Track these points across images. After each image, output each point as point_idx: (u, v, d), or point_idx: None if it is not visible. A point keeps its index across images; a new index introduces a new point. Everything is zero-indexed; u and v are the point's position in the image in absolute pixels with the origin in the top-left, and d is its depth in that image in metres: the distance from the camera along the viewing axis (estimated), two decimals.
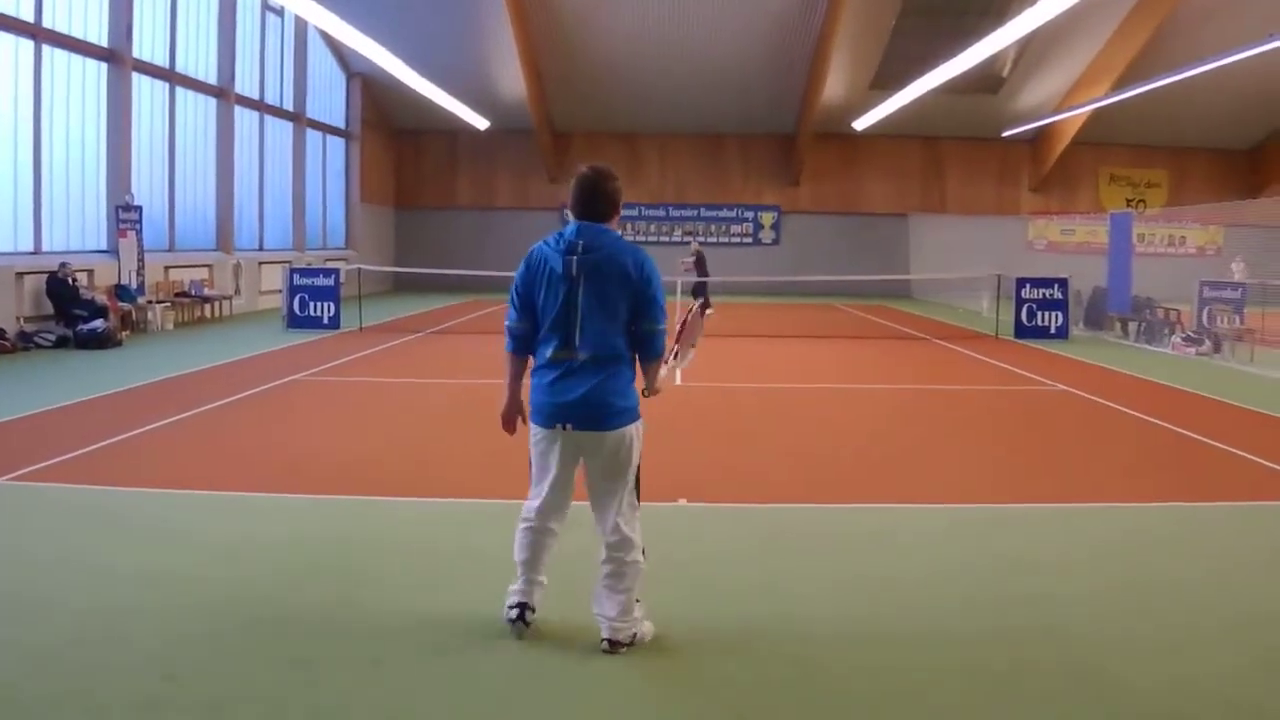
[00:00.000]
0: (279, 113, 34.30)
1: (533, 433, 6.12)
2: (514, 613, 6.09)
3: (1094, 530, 8.57)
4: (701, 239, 37.95)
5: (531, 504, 6.15)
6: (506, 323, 6.37)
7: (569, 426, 5.89)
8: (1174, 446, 12.16)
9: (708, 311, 31.28)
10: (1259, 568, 7.59)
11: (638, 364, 6.17)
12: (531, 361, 6.24)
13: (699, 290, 29.00)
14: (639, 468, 6.08)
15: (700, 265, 30.10)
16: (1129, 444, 12.37)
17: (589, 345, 5.92)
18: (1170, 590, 7.05)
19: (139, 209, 24.13)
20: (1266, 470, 10.71)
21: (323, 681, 5.46)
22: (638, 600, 6.01)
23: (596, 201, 6.26)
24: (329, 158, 39.10)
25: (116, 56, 24.22)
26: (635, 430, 6.01)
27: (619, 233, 6.30)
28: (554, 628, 6.13)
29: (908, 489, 9.84)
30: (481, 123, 40.34)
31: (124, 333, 21.70)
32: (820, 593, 6.91)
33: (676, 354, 6.90)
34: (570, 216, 6.33)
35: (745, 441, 12.20)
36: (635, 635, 5.97)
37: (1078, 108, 37.70)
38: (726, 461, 10.96)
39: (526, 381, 6.21)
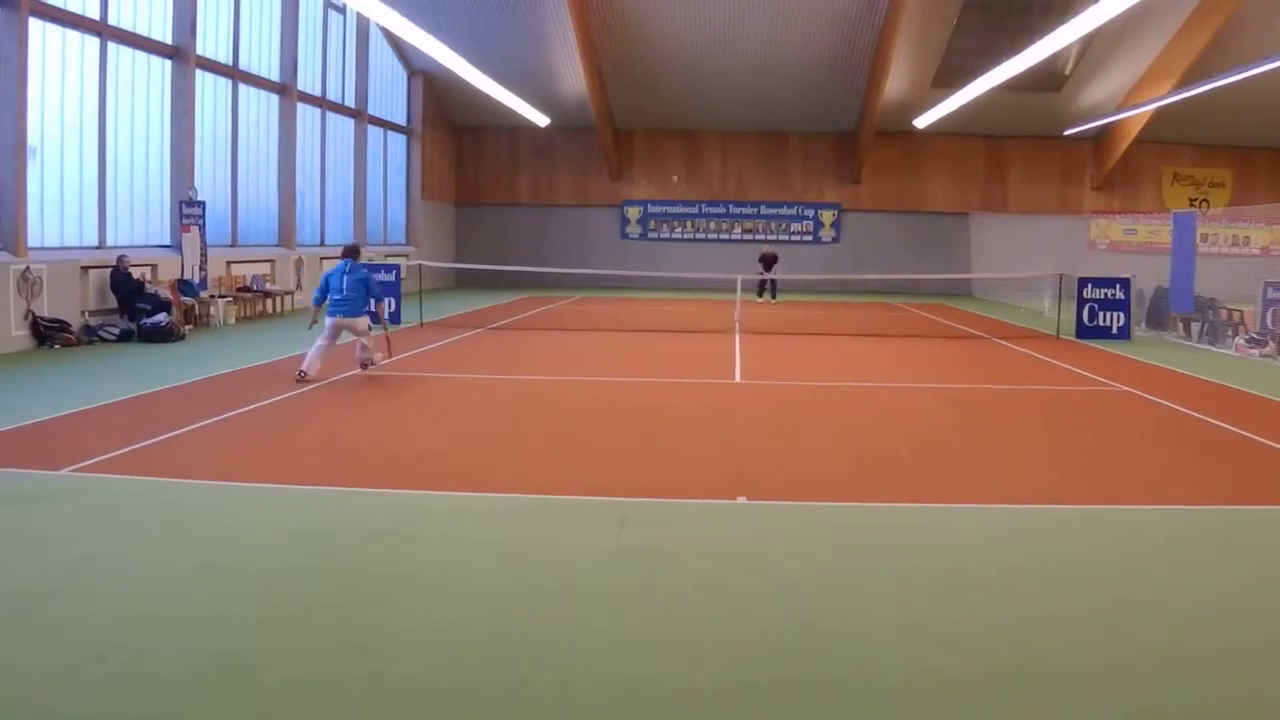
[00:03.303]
0: (341, 109, 34.51)
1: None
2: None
3: (1153, 532, 8.50)
4: (767, 237, 40.22)
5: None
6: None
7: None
8: (1236, 448, 12.00)
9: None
10: None
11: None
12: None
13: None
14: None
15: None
16: (1190, 445, 12.23)
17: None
18: (1228, 595, 6.97)
19: (202, 204, 24.34)
20: None
21: (384, 670, 5.50)
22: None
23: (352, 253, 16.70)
24: (390, 154, 39.33)
25: (180, 54, 24.43)
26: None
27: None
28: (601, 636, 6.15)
29: (967, 488, 9.78)
30: (542, 120, 40.46)
31: (187, 327, 21.93)
32: (878, 591, 6.88)
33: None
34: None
35: (805, 440, 12.17)
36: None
37: (1141, 106, 37.34)
38: (786, 460, 10.93)
39: None
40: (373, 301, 17.12)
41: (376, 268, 25.42)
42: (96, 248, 21.90)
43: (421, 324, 24.51)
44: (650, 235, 44.64)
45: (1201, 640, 6.11)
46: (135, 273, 21.51)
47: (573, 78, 38.43)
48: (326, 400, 14.14)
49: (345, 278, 16.09)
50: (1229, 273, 30.37)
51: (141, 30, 23.24)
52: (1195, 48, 34.94)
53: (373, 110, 36.80)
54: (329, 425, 12.52)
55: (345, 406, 13.81)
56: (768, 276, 36.22)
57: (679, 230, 44.83)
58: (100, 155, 22.05)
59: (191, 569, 7.06)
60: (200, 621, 6.10)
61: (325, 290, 16.16)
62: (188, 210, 23.93)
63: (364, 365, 16.68)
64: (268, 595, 6.56)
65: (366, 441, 11.52)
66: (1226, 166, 44.63)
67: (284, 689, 5.31)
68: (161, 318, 20.55)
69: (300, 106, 30.85)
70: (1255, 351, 21.39)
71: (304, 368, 15.56)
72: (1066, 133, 41.06)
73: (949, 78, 37.06)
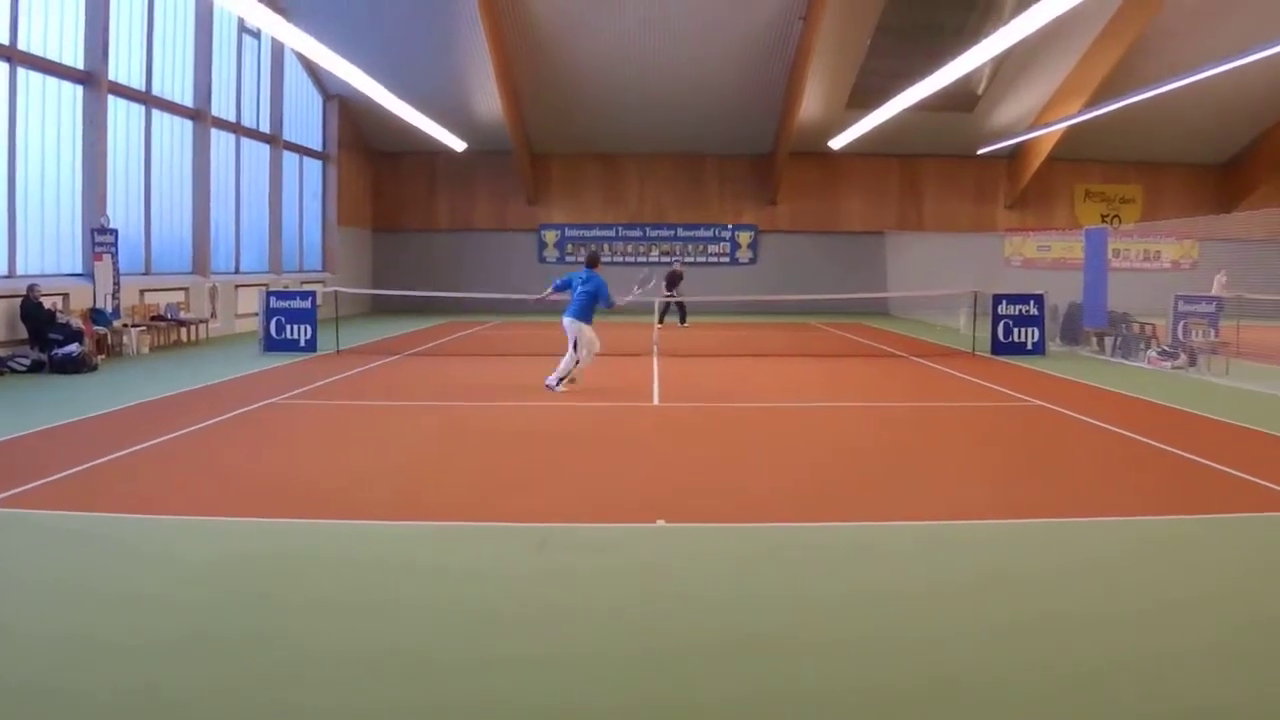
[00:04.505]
0: (256, 135, 34.23)
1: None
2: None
3: (1073, 544, 8.59)
4: (680, 259, 39.37)
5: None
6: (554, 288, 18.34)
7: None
8: (1151, 460, 12.18)
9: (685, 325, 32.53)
10: (1239, 578, 7.62)
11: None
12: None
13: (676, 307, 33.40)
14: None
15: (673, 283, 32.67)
16: (1106, 458, 12.39)
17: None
18: (1156, 605, 7.05)
19: (115, 232, 24.07)
20: (1242, 482, 10.73)
21: (309, 700, 5.47)
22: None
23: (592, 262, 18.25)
24: (306, 180, 39.05)
25: (92, 79, 24.15)
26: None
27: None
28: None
29: (888, 506, 9.83)
30: (459, 145, 40.33)
31: (100, 357, 21.62)
32: (803, 610, 6.90)
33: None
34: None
35: (724, 461, 12.18)
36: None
37: (1052, 125, 37.92)
38: (705, 482, 10.94)
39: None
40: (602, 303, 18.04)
41: (291, 294, 25.29)
42: (6, 277, 21.56)
43: (339, 351, 24.34)
44: (568, 259, 44.58)
45: (1132, 650, 6.18)
46: (46, 302, 21.17)
47: (489, 102, 38.40)
48: (244, 430, 14.00)
49: (581, 286, 17.76)
50: (1141, 287, 30.83)
51: (52, 55, 22.95)
52: (1104, 67, 35.57)
53: (288, 135, 36.53)
54: (247, 455, 12.38)
55: (262, 436, 13.68)
56: (672, 298, 34.03)
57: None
58: (10, 182, 21.71)
59: (113, 601, 6.97)
60: (124, 653, 6.04)
61: (563, 287, 18.18)
62: (100, 238, 23.64)
63: (562, 379, 17.71)
64: (192, 626, 6.48)
65: (285, 471, 11.42)
66: (1137, 182, 45.50)
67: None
68: (74, 348, 20.25)
69: (215, 132, 30.59)
70: (1167, 364, 21.76)
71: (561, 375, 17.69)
72: (980, 152, 41.65)
73: (863, 99, 37.43)
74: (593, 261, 18.41)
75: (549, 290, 18.77)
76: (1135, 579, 7.67)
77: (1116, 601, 7.11)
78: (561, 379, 17.55)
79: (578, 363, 17.66)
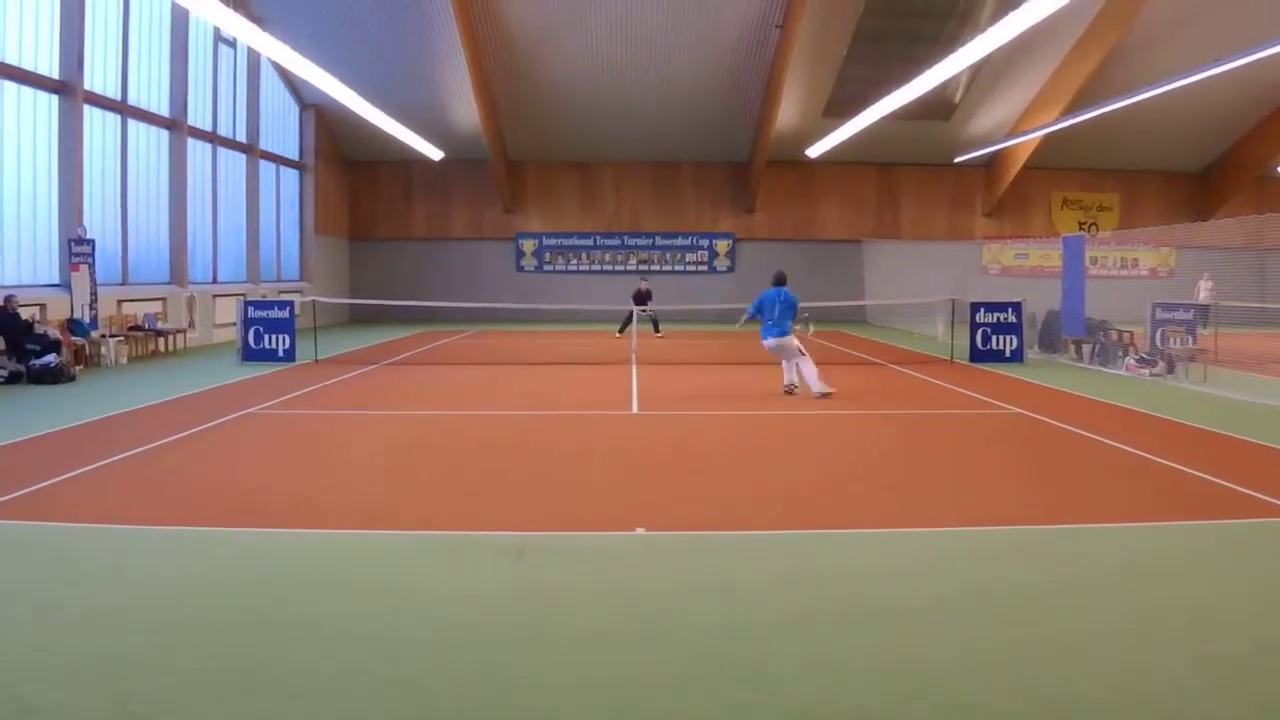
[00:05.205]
0: (232, 144, 34.14)
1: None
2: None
3: (1050, 553, 8.57)
4: (647, 266, 39.25)
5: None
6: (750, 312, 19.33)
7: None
8: (1130, 467, 12.17)
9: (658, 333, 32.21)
10: (1219, 585, 7.62)
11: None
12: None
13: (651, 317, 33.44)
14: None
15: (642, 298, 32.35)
16: (1085, 466, 12.38)
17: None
18: (1135, 616, 7.03)
19: (91, 242, 23.94)
20: (1222, 489, 10.75)
21: (280, 715, 5.41)
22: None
23: (782, 280, 18.96)
24: (282, 189, 38.93)
25: (68, 89, 24.06)
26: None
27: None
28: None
29: (868, 514, 9.82)
30: (436, 153, 40.29)
31: (78, 367, 21.53)
32: (783, 621, 6.86)
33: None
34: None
35: (704, 468, 12.13)
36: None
37: (1029, 133, 38.04)
38: (685, 489, 10.90)
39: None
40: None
41: (269, 304, 25.21)
42: None
43: (316, 360, 24.29)
44: (545, 268, 44.67)
45: (1118, 667, 6.17)
46: (24, 313, 21.09)
47: (466, 110, 38.37)
48: (221, 440, 13.92)
49: (779, 305, 18.62)
50: (1118, 294, 30.95)
51: (27, 65, 22.87)
52: (1081, 75, 35.68)
53: (265, 145, 36.44)
54: (223, 466, 12.30)
55: (241, 446, 13.61)
56: (645, 309, 33.68)
57: (574, 262, 44.92)
58: None
59: (83, 615, 6.90)
60: (93, 668, 5.98)
61: (757, 311, 19.05)
62: (77, 248, 23.53)
63: (791, 390, 18.97)
64: (162, 640, 6.42)
65: (261, 481, 11.35)
66: (1114, 190, 45.69)
67: None
68: (51, 359, 20.14)
69: (191, 142, 30.48)
70: (1145, 371, 21.81)
71: (785, 384, 19.00)
72: (957, 160, 41.75)
73: (840, 107, 37.58)
74: (781, 280, 19.11)
75: (744, 318, 19.96)
76: (1124, 591, 7.63)
77: (1102, 615, 7.08)
78: (810, 386, 18.44)
79: (800, 365, 18.69)
